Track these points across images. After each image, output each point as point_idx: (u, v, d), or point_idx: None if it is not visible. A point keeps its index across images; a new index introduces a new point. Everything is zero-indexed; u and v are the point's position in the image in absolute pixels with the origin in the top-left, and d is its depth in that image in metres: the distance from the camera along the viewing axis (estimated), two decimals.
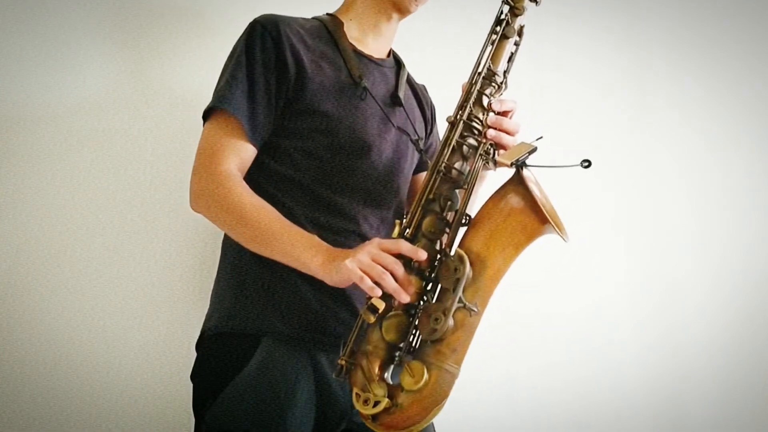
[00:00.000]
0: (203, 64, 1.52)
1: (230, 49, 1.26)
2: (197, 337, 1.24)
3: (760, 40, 2.12)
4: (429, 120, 1.45)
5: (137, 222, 1.46)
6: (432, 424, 1.16)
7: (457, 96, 1.20)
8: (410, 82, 1.42)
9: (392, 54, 1.40)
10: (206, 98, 1.24)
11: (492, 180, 1.23)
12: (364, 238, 1.22)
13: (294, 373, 1.13)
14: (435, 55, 1.74)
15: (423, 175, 1.40)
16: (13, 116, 1.41)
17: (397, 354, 1.06)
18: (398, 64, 1.40)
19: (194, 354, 1.24)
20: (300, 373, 1.13)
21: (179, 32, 1.53)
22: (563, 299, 1.81)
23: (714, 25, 2.10)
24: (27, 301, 1.38)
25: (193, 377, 1.21)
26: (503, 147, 1.15)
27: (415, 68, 1.45)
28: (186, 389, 1.23)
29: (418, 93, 1.44)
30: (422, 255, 1.06)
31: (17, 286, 1.38)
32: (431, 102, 1.49)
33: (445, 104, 1.42)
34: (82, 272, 1.42)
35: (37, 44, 1.45)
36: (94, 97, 1.47)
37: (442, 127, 1.46)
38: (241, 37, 1.23)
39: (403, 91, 1.34)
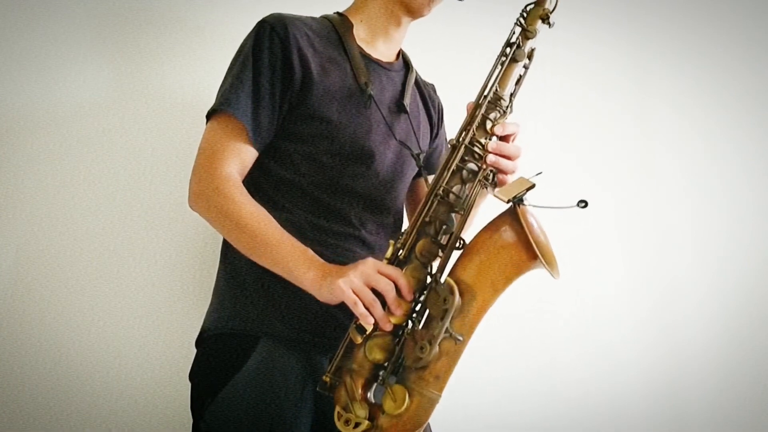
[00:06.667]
0: (202, 65, 1.52)
1: (229, 49, 1.25)
2: (197, 337, 1.25)
3: (760, 41, 2.13)
4: (435, 123, 1.44)
5: (137, 222, 1.46)
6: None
7: (465, 95, 1.19)
8: (418, 84, 1.41)
9: (401, 55, 1.38)
10: (206, 98, 1.24)
11: (490, 202, 1.22)
12: (363, 242, 1.22)
13: (293, 374, 1.13)
14: (444, 54, 1.74)
15: (422, 180, 1.40)
16: (14, 117, 1.41)
17: (381, 373, 1.06)
18: (407, 67, 1.38)
19: (194, 353, 1.24)
20: (299, 373, 1.13)
21: (178, 33, 1.53)
22: (562, 298, 1.81)
23: (715, 25, 2.10)
24: (27, 301, 1.38)
25: (191, 377, 1.21)
26: (503, 172, 1.14)
27: (424, 67, 1.44)
28: (186, 389, 1.23)
29: (425, 96, 1.42)
30: (410, 296, 1.05)
31: (17, 286, 1.38)
32: (439, 103, 1.47)
33: (453, 103, 1.42)
34: (82, 272, 1.42)
35: (37, 46, 1.44)
36: (93, 98, 1.47)
37: (449, 127, 1.46)
38: (248, 36, 1.22)
39: (409, 97, 1.33)
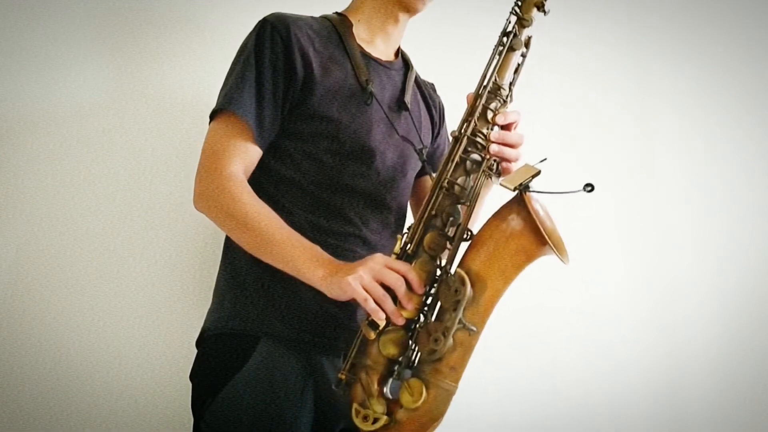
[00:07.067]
0: (202, 65, 1.52)
1: (229, 49, 1.25)
2: (197, 337, 1.24)
3: (760, 41, 2.13)
4: (437, 122, 1.44)
5: (137, 222, 1.46)
6: None
7: (463, 94, 1.19)
8: (418, 82, 1.41)
9: (400, 54, 1.39)
10: (206, 98, 1.23)
11: (496, 192, 1.22)
12: (365, 241, 1.22)
13: (293, 374, 1.13)
14: (444, 54, 1.74)
15: (426, 178, 1.40)
16: (14, 117, 1.41)
17: (396, 368, 1.06)
18: (406, 66, 1.38)
19: (194, 353, 1.24)
20: (299, 373, 1.13)
21: (178, 33, 1.53)
22: (562, 298, 1.81)
23: (715, 25, 2.11)
24: (27, 301, 1.38)
25: (192, 377, 1.21)
26: (506, 160, 1.14)
27: (423, 67, 1.44)
28: (186, 389, 1.23)
29: (426, 95, 1.42)
30: (421, 290, 1.06)
31: (17, 286, 1.38)
32: (439, 102, 1.47)
33: (453, 102, 1.42)
34: (82, 272, 1.42)
35: (37, 46, 1.44)
36: (93, 98, 1.47)
37: (449, 126, 1.46)
38: (250, 35, 1.22)
39: (410, 95, 1.33)
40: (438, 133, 1.44)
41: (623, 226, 1.94)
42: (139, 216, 1.46)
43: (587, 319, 1.84)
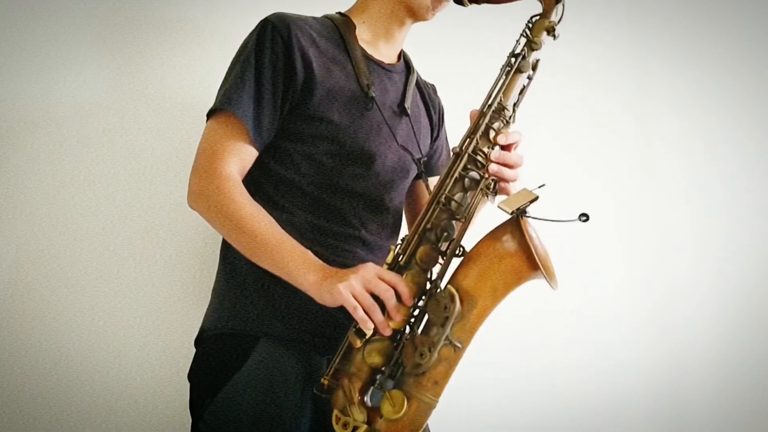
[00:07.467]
0: (202, 65, 1.52)
1: (229, 49, 1.25)
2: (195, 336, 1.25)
3: (760, 41, 2.13)
4: (436, 124, 1.44)
5: (137, 222, 1.46)
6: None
7: (463, 96, 1.20)
8: (419, 84, 1.41)
9: (402, 56, 1.38)
10: (206, 98, 1.23)
11: (487, 210, 1.22)
12: (364, 242, 1.22)
13: (293, 374, 1.13)
14: (445, 55, 1.74)
15: (420, 182, 1.40)
16: (14, 118, 1.41)
17: (378, 377, 1.06)
18: (408, 68, 1.38)
19: (193, 354, 1.24)
20: (299, 373, 1.13)
21: (178, 33, 1.53)
22: (563, 299, 1.81)
23: (715, 26, 2.10)
24: (27, 301, 1.38)
25: (190, 377, 1.21)
26: (504, 181, 1.15)
27: (424, 68, 1.44)
28: (186, 389, 1.23)
29: (426, 97, 1.42)
30: (410, 302, 1.06)
31: (17, 286, 1.38)
32: (439, 104, 1.47)
33: (453, 103, 1.41)
34: (82, 272, 1.42)
35: (37, 46, 1.45)
36: (93, 98, 1.47)
37: (449, 127, 1.46)
38: (251, 35, 1.21)
39: (411, 99, 1.33)
40: (437, 135, 1.44)
41: (623, 227, 1.94)
42: (139, 216, 1.46)
43: (587, 319, 1.84)
